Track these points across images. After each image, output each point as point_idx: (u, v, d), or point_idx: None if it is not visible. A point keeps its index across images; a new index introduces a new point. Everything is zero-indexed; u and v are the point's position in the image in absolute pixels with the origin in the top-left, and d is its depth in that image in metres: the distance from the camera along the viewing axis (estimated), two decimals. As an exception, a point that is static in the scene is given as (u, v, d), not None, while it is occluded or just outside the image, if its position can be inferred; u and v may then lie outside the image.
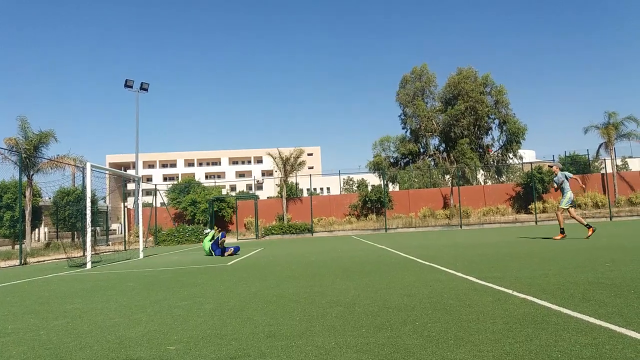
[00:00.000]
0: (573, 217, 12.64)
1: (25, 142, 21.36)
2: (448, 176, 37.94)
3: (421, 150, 40.76)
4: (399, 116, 42.87)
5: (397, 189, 40.70)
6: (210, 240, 13.56)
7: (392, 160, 40.52)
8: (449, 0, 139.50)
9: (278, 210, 32.90)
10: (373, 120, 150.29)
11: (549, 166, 14.31)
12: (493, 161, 42.18)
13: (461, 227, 27.33)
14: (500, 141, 41.73)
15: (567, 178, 12.40)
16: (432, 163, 40.16)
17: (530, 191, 30.70)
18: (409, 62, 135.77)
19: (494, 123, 42.45)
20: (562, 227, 12.43)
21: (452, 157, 38.79)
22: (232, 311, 4.49)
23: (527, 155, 48.50)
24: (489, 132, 42.50)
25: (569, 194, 12.28)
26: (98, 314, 4.72)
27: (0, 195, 25.46)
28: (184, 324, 4.01)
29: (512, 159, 42.53)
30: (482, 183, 39.73)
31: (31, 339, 3.73)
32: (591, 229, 11.82)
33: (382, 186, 32.36)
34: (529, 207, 30.99)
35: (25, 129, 21.89)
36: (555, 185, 12.61)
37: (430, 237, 18.41)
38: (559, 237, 12.15)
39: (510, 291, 4.71)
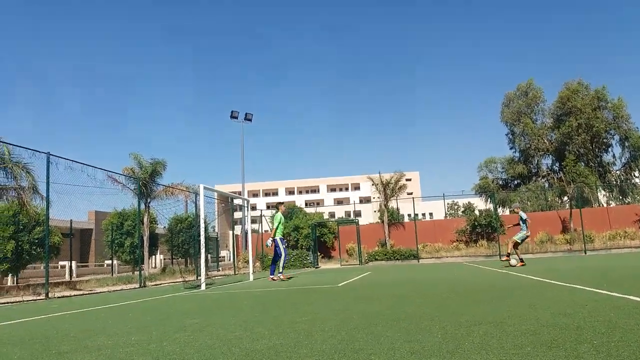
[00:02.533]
0: None
1: (141, 172, 22.91)
2: (565, 198, 34.96)
3: (532, 171, 38.13)
4: (506, 135, 40.74)
5: (507, 213, 38.29)
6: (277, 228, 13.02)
7: (500, 182, 38.35)
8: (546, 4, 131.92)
9: (379, 235, 32.18)
10: (474, 142, 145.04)
11: None
12: (615, 180, 38.38)
13: (585, 253, 24.79)
14: (623, 158, 37.99)
15: None
16: (546, 184, 37.34)
17: (665, 212, 27.26)
18: (509, 77, 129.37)
19: (613, 139, 38.85)
20: None
21: (568, 177, 35.84)
22: (358, 328, 4.05)
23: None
24: (609, 150, 38.91)
25: None
26: (218, 328, 4.51)
27: (121, 222, 27.47)
28: (309, 338, 3.64)
29: (637, 177, 38.43)
30: (605, 204, 36.13)
31: (154, 349, 3.56)
32: None
33: (493, 209, 30.48)
34: (664, 230, 27.48)
35: (139, 160, 23.52)
36: None
37: (555, 262, 16.77)
38: None
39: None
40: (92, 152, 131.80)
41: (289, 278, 13.36)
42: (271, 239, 13.18)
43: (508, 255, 14.10)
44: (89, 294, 12.87)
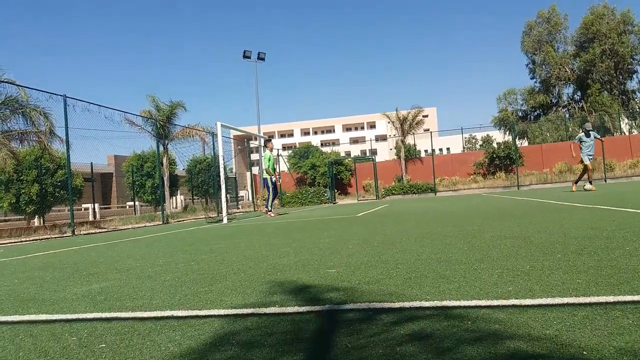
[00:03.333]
0: None
1: (159, 113, 22.88)
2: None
3: (553, 101, 37.13)
4: (527, 65, 39.46)
5: (525, 144, 37.71)
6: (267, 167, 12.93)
7: (520, 114, 37.55)
8: None
9: (396, 171, 32.12)
10: (493, 73, 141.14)
11: None
12: (639, 108, 37.30)
13: (605, 181, 24.53)
14: (648, 85, 36.68)
15: None
16: (567, 114, 36.47)
17: (690, 139, 26.58)
18: (531, 4, 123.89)
19: (639, 65, 37.32)
20: None
21: (589, 106, 34.88)
22: (383, 244, 4.07)
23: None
24: (634, 76, 37.52)
25: None
26: (245, 249, 4.58)
27: (141, 164, 27.86)
28: (335, 254, 3.67)
29: (663, 104, 37.25)
30: (627, 133, 35.33)
31: (183, 268, 3.63)
32: None
33: (512, 141, 30.03)
34: (689, 156, 26.91)
35: (157, 102, 23.43)
36: None
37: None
38: None
39: None
40: (109, 94, 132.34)
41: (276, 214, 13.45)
42: (266, 177, 13.12)
43: (576, 182, 13.52)
44: (113, 230, 13.22)
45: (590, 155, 13.26)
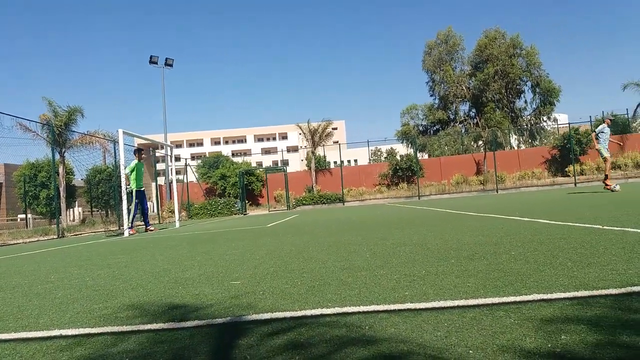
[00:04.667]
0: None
1: (55, 119, 21.37)
2: (480, 142, 36.83)
3: (451, 117, 39.63)
4: (427, 83, 41.77)
5: (426, 157, 39.82)
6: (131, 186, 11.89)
7: (420, 128, 39.60)
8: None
9: (307, 182, 32.52)
10: (397, 90, 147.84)
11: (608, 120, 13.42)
12: (526, 124, 40.84)
13: (497, 192, 26.52)
14: (534, 104, 40.31)
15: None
16: (463, 130, 39.04)
17: (567, 154, 29.53)
18: (432, 28, 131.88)
19: (526, 86, 40.96)
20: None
21: (483, 123, 37.64)
22: (290, 254, 4.08)
23: (561, 119, 46.71)
24: (522, 96, 41.06)
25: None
26: (145, 264, 4.37)
27: (35, 174, 25.78)
28: (241, 266, 3.61)
29: (545, 121, 41.08)
30: (516, 147, 38.55)
31: (76, 284, 3.39)
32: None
33: (413, 153, 31.58)
34: (566, 169, 29.86)
35: (54, 107, 21.90)
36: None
37: (470, 200, 17.78)
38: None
39: (598, 226, 4.18)
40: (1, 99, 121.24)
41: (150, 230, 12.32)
42: (127, 187, 11.97)
43: (606, 177, 12.58)
44: (1, 245, 12.05)
45: (606, 148, 12.76)
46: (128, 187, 12.15)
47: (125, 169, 12.09)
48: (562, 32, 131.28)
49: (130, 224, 11.82)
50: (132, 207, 11.92)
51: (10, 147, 24.62)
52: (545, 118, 39.92)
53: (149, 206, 14.03)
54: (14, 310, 2.57)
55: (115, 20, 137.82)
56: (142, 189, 12.44)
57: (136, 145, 23.08)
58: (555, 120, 41.55)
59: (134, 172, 12.20)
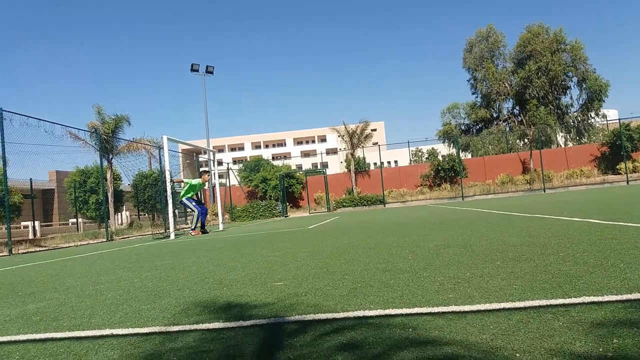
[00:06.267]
0: None
1: (103, 127, 22.19)
2: (525, 140, 35.78)
3: (494, 115, 38.72)
4: (468, 81, 40.98)
5: (469, 157, 39.06)
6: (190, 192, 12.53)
7: (463, 127, 38.88)
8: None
9: (346, 184, 32.49)
10: (437, 89, 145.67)
11: None
12: (573, 122, 39.47)
13: (544, 191, 25.73)
14: (580, 100, 38.91)
15: None
16: (507, 128, 38.06)
17: (618, 151, 28.31)
18: (471, 24, 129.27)
19: (572, 81, 39.61)
20: None
21: (528, 120, 36.60)
22: (331, 256, 4.09)
23: (610, 114, 44.89)
24: (567, 92, 39.73)
25: None
26: (191, 265, 4.49)
27: (84, 180, 26.85)
28: (283, 268, 3.65)
29: (593, 118, 39.58)
30: (562, 145, 37.27)
31: (125, 285, 3.51)
32: None
33: (456, 153, 31.05)
34: (617, 167, 28.65)
35: (102, 114, 22.75)
36: None
37: (516, 200, 17.33)
38: None
39: (655, 225, 4.00)
40: (52, 108, 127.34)
41: (204, 232, 12.56)
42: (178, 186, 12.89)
43: None
44: (54, 248, 12.62)
45: None
46: (178, 185, 12.76)
47: (187, 180, 12.84)
48: (609, 22, 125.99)
49: (194, 226, 12.53)
50: (195, 211, 12.51)
51: (61, 155, 25.76)
52: (593, 114, 38.46)
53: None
54: (67, 310, 2.69)
55: (157, 30, 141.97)
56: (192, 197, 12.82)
57: (180, 150, 23.69)
58: (604, 116, 39.95)
59: (190, 186, 12.67)
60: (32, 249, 12.73)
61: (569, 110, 38.93)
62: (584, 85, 37.97)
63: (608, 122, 38.05)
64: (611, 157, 30.10)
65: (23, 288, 3.94)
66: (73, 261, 6.84)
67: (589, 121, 38.50)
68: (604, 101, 38.16)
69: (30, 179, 22.11)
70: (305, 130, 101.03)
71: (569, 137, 38.73)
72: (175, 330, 2.00)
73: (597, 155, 31.04)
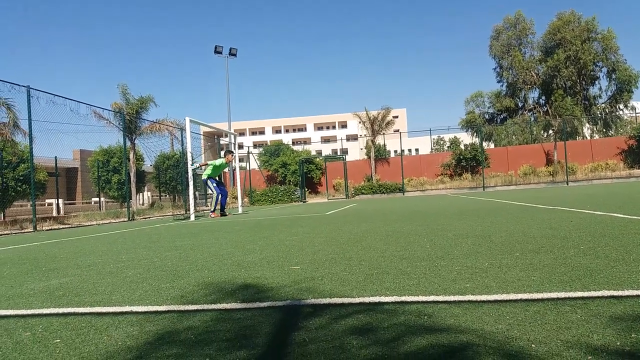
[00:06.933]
0: None
1: (127, 107, 22.46)
2: (550, 131, 35.10)
3: (519, 105, 38.02)
4: (494, 69, 40.28)
5: (492, 146, 38.53)
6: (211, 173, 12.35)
7: (486, 116, 38.28)
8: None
9: (366, 171, 32.39)
10: (461, 76, 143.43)
11: None
12: (600, 113, 38.53)
13: (567, 184, 25.30)
14: (609, 91, 37.89)
15: None
16: (532, 118, 37.34)
17: (646, 144, 27.64)
18: (498, 11, 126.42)
19: (601, 72, 38.58)
20: None
21: (553, 111, 35.86)
22: (348, 242, 4.10)
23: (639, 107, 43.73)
24: (596, 82, 38.73)
25: None
26: (210, 246, 4.55)
27: (108, 159, 27.27)
28: (300, 251, 3.68)
29: (622, 110, 38.57)
30: (588, 137, 36.48)
31: (146, 264, 3.58)
32: None
33: (479, 143, 30.64)
34: (645, 161, 27.99)
35: (126, 95, 23.01)
36: None
37: (538, 192, 17.08)
38: None
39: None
40: (76, 88, 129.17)
41: (223, 215, 12.41)
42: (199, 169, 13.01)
43: None
44: (77, 226, 12.90)
45: None
46: (199, 169, 12.79)
47: (211, 162, 12.71)
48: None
49: (212, 208, 12.44)
50: (215, 192, 12.38)
51: (85, 134, 26.16)
52: (621, 106, 37.47)
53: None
54: (89, 286, 2.76)
55: (180, 11, 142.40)
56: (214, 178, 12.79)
57: (202, 132, 23.86)
58: (634, 108, 38.90)
59: (214, 167, 12.52)
60: (56, 226, 13.05)
61: (596, 102, 38.00)
62: (614, 76, 36.97)
63: (637, 114, 37.07)
64: (638, 151, 29.38)
65: (47, 264, 4.05)
66: (95, 239, 6.99)
67: (617, 113, 37.53)
68: (633, 92, 37.16)
69: (55, 157, 22.54)
70: (326, 116, 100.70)
71: (595, 129, 37.86)
72: (192, 309, 2.03)
73: (624, 148, 30.31)
